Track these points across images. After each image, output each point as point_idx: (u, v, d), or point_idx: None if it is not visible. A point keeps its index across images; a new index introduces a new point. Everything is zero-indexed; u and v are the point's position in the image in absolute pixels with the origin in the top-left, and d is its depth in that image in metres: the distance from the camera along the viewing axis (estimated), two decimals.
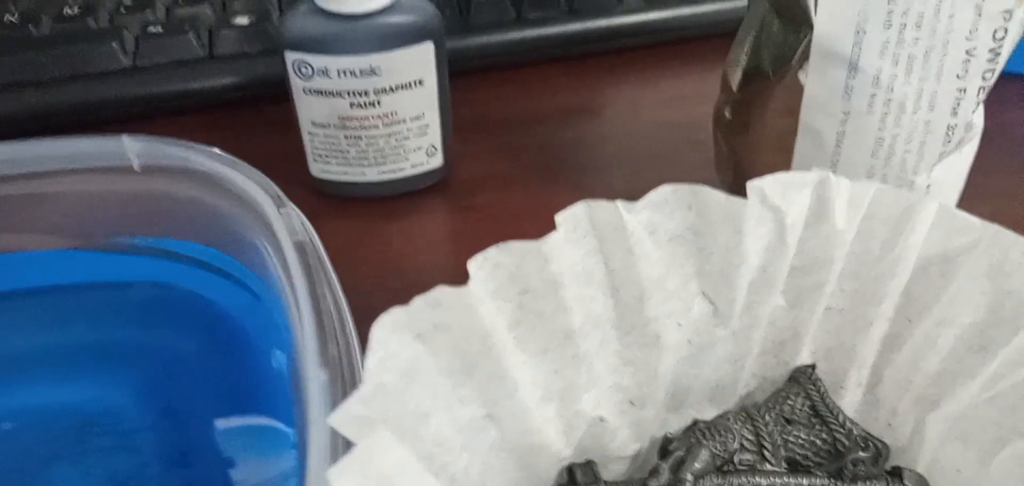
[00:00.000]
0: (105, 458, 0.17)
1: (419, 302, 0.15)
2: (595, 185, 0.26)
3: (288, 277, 0.16)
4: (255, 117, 0.29)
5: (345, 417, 0.13)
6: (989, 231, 0.17)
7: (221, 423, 0.18)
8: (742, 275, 0.17)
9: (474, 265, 0.15)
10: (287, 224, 0.17)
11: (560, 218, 0.16)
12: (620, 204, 0.16)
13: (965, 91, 0.19)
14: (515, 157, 0.27)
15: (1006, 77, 0.30)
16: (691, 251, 0.17)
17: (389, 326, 0.14)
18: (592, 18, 0.30)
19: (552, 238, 0.15)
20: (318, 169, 0.24)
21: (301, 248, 0.16)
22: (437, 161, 0.25)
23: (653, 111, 0.29)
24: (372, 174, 0.24)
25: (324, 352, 0.14)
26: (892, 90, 0.19)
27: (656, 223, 0.16)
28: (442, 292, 0.15)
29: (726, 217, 0.16)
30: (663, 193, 0.16)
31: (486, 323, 0.15)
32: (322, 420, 0.13)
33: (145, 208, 0.20)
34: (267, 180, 0.18)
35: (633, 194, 0.25)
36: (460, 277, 0.24)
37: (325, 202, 0.25)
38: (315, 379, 0.13)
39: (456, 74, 0.30)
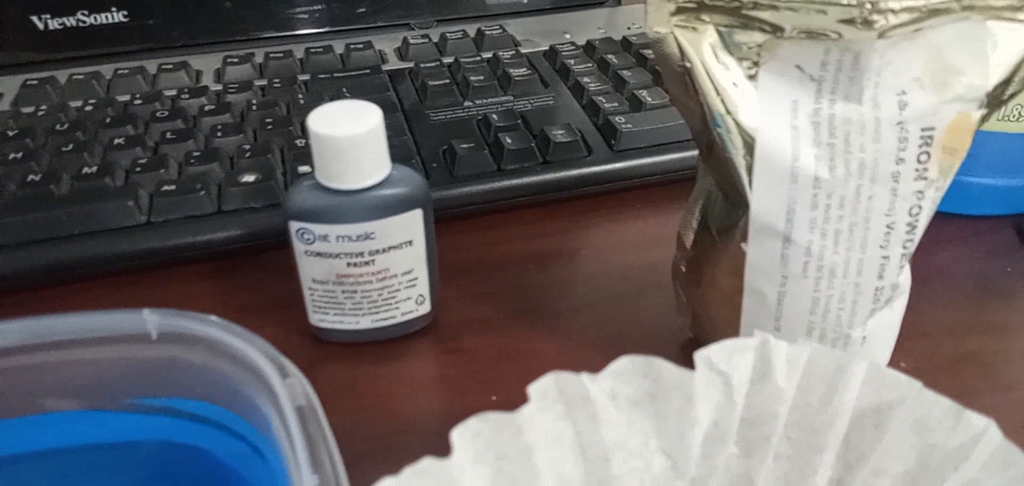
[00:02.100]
0: None
1: (408, 472, 0.17)
2: (569, 327, 0.28)
3: (290, 439, 0.18)
4: (259, 265, 0.31)
5: None
6: (914, 388, 0.19)
7: None
8: (696, 434, 0.19)
9: (456, 434, 0.17)
10: (290, 392, 0.19)
11: (532, 390, 0.18)
12: (585, 376, 0.18)
13: (888, 258, 0.22)
14: (496, 301, 0.30)
15: (939, 216, 0.33)
16: (649, 413, 0.19)
17: None
18: (564, 168, 0.33)
19: (525, 410, 0.18)
20: (317, 319, 0.27)
21: (302, 413, 0.18)
22: (425, 308, 0.27)
23: (621, 254, 0.32)
24: (366, 322, 0.27)
25: None
26: (822, 259, 0.22)
27: (616, 390, 0.18)
28: (427, 462, 0.17)
29: (677, 386, 0.18)
30: (622, 364, 0.18)
31: None
32: None
33: (159, 372, 0.22)
34: (271, 347, 0.20)
35: (603, 335, 0.28)
36: (446, 418, 0.26)
37: (322, 347, 0.28)
38: None
39: (442, 221, 0.33)
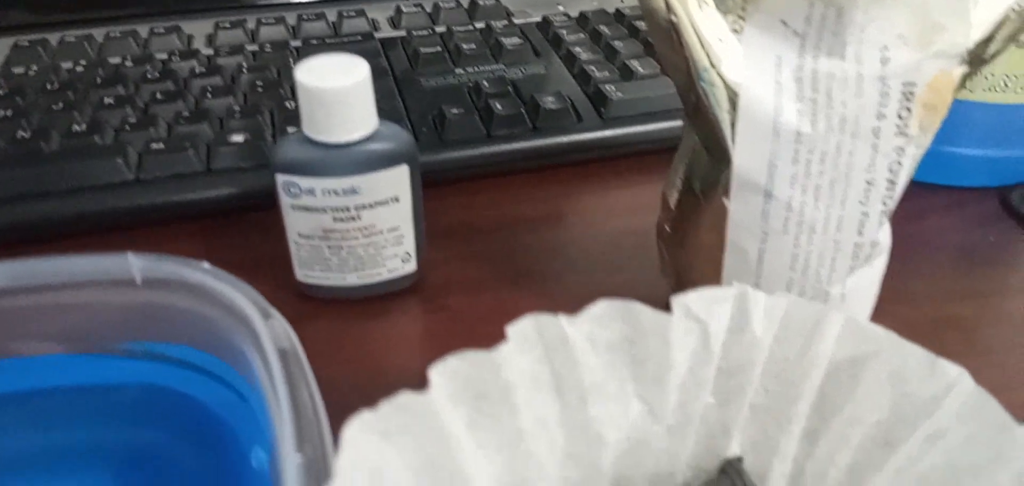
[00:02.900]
0: None
1: (385, 406, 0.17)
2: (555, 289, 0.29)
3: (271, 380, 0.18)
4: (247, 224, 0.31)
5: None
6: (890, 340, 0.19)
7: None
8: (672, 379, 0.19)
9: (435, 372, 0.17)
10: (272, 333, 0.19)
11: (511, 330, 0.18)
12: (563, 318, 0.18)
13: (868, 214, 0.22)
14: (483, 262, 0.30)
15: (925, 187, 0.33)
16: (626, 358, 0.19)
17: (358, 427, 0.16)
18: (553, 135, 0.34)
19: (504, 348, 0.18)
20: (303, 274, 0.27)
21: (284, 355, 0.19)
22: (411, 266, 0.27)
23: (608, 220, 0.32)
24: (352, 279, 0.27)
25: (301, 448, 0.16)
26: (803, 215, 0.22)
27: (595, 334, 0.19)
28: (406, 397, 0.17)
29: (654, 330, 0.19)
30: (601, 308, 0.19)
31: (446, 425, 0.17)
32: None
33: (143, 317, 0.22)
34: (255, 293, 0.20)
35: (588, 297, 0.28)
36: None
37: (308, 303, 0.28)
38: (291, 473, 0.16)
39: (431, 185, 0.33)
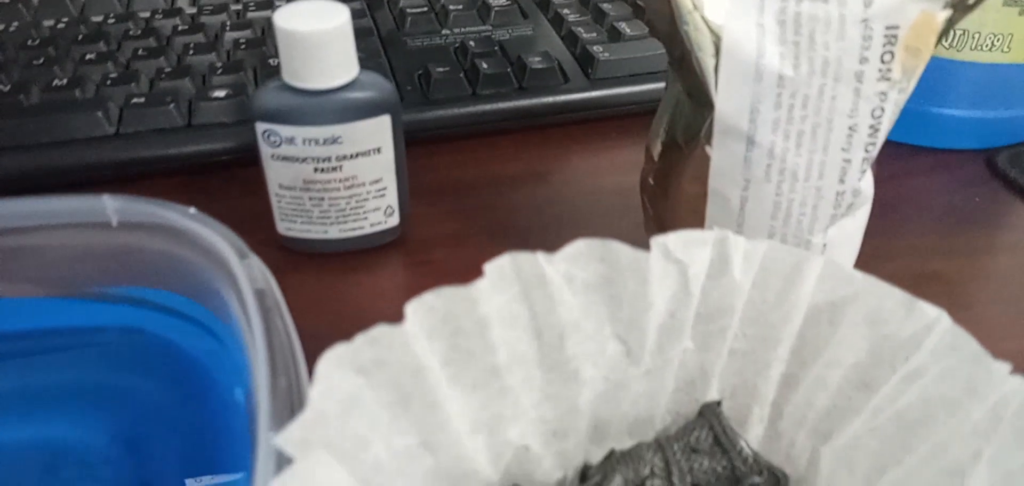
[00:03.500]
0: None
1: (360, 339, 0.17)
2: (539, 244, 0.28)
3: (247, 318, 0.18)
4: (229, 180, 0.31)
5: (288, 438, 0.15)
6: (868, 283, 0.19)
7: (181, 455, 0.19)
8: (650, 319, 0.19)
9: (410, 307, 0.17)
10: (248, 272, 0.19)
11: (488, 267, 0.18)
12: (541, 256, 0.18)
13: (850, 161, 0.22)
14: (467, 218, 0.30)
15: (911, 149, 0.33)
16: (604, 298, 0.19)
17: (333, 361, 0.16)
18: (540, 95, 0.33)
19: (480, 284, 0.18)
20: (284, 227, 0.27)
21: (260, 294, 0.18)
22: (394, 221, 0.27)
23: (593, 178, 0.32)
24: (333, 232, 0.26)
25: (275, 384, 0.16)
26: (785, 161, 0.22)
27: (573, 273, 0.19)
28: (381, 330, 0.17)
29: (632, 268, 0.18)
30: (578, 247, 0.19)
31: (421, 360, 0.17)
32: (267, 442, 0.15)
33: (120, 260, 0.22)
34: (232, 234, 0.20)
35: None
36: None
37: (290, 257, 0.27)
38: (265, 407, 0.15)
39: (416, 143, 0.33)
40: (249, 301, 0.18)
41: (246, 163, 0.31)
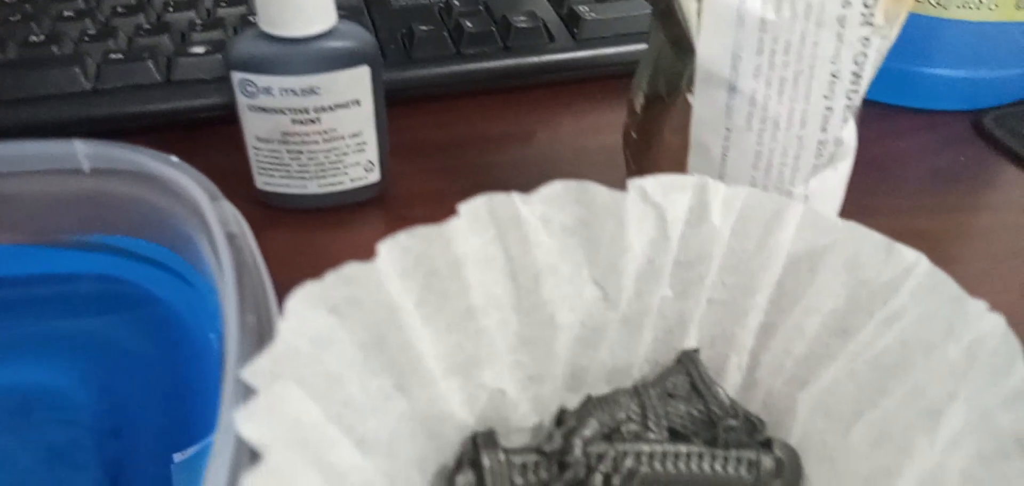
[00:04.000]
0: (43, 430, 0.18)
1: (331, 277, 0.16)
2: None
3: (218, 260, 0.18)
4: (208, 137, 0.31)
5: (255, 371, 0.14)
6: (848, 229, 0.19)
7: (155, 401, 0.19)
8: (627, 263, 0.19)
9: (384, 247, 0.17)
10: (219, 215, 0.18)
11: (462, 207, 0.18)
12: (516, 196, 0.18)
13: (832, 109, 0.22)
14: (450, 176, 0.29)
15: (897, 110, 0.33)
16: (581, 241, 0.19)
17: (304, 299, 0.16)
18: (525, 55, 0.33)
19: (454, 223, 0.17)
20: (262, 182, 0.26)
21: (231, 236, 0.18)
22: (375, 176, 0.27)
23: (577, 138, 0.31)
24: (313, 187, 0.26)
25: (243, 320, 0.16)
26: (767, 109, 0.21)
27: (549, 215, 0.18)
28: (352, 268, 0.16)
29: (609, 210, 0.18)
30: (555, 189, 0.18)
31: (395, 300, 0.17)
32: (234, 376, 0.15)
33: (93, 207, 0.21)
34: (204, 178, 0.20)
35: None
36: None
37: (269, 213, 0.27)
38: (233, 341, 0.15)
39: (398, 102, 0.32)
40: (219, 241, 0.17)
41: (226, 120, 0.31)
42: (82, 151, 0.21)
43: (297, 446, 0.14)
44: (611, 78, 0.35)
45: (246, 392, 0.15)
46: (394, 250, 0.17)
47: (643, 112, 0.25)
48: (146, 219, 0.21)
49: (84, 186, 0.21)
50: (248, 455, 0.13)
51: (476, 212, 0.18)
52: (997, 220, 0.28)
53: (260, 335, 0.16)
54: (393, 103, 0.33)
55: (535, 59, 0.33)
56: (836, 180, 0.24)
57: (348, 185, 0.27)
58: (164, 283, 0.21)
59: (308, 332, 0.16)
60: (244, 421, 0.13)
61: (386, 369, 0.17)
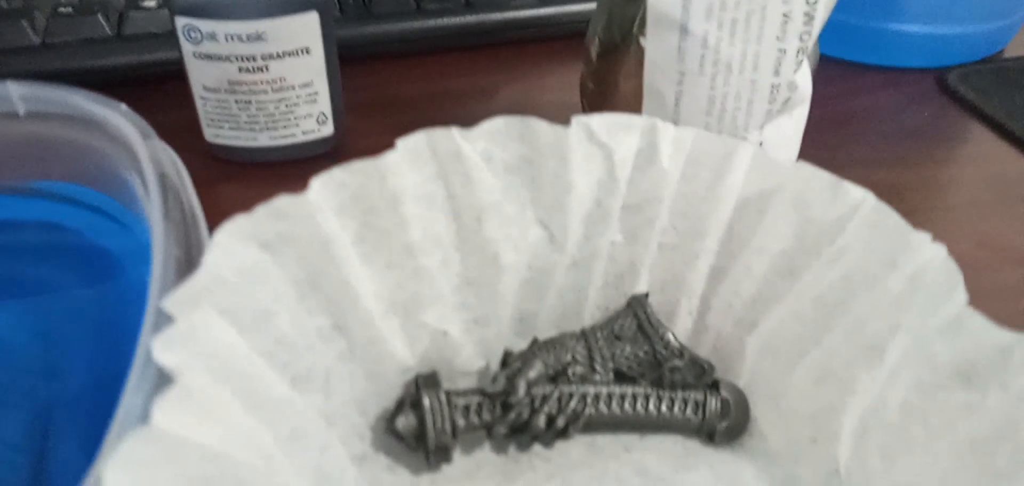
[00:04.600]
0: None
1: (261, 210, 0.16)
2: None
3: (148, 195, 0.17)
4: (160, 93, 0.30)
5: (175, 299, 0.14)
6: (797, 168, 0.19)
7: (95, 345, 0.19)
8: (572, 202, 0.18)
9: (318, 181, 0.17)
10: (151, 153, 0.18)
11: (400, 142, 0.17)
12: (457, 132, 0.18)
13: (785, 51, 0.21)
14: (408, 132, 0.29)
15: (861, 67, 0.33)
16: (525, 180, 0.18)
17: (232, 231, 0.15)
18: (487, 12, 0.32)
19: (390, 156, 0.17)
20: (211, 134, 0.26)
21: (163, 176, 0.18)
22: (328, 130, 0.26)
23: (541, 95, 0.31)
24: (263, 139, 0.26)
25: (169, 253, 0.15)
26: (719, 51, 0.21)
27: (492, 152, 0.18)
28: (283, 200, 0.16)
29: (552, 146, 0.18)
30: (497, 124, 0.18)
31: (329, 236, 0.17)
32: (155, 308, 0.14)
33: (30, 151, 0.21)
34: (139, 118, 0.19)
35: None
36: None
37: (220, 167, 0.27)
38: (157, 274, 0.15)
39: (357, 59, 0.32)
40: (149, 176, 0.17)
41: (179, 76, 0.30)
42: (16, 93, 0.20)
43: (215, 374, 0.13)
44: (576, 36, 0.34)
45: (168, 322, 0.14)
46: (330, 185, 0.17)
47: (598, 61, 0.24)
48: (83, 163, 0.20)
49: (20, 130, 0.20)
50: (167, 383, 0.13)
51: (416, 147, 0.17)
52: (958, 173, 0.28)
53: (189, 269, 0.16)
54: (352, 60, 0.32)
55: (498, 16, 0.32)
56: (792, 128, 0.23)
57: (300, 138, 0.26)
58: (102, 228, 0.21)
59: (234, 264, 0.15)
60: (159, 347, 0.13)
61: (323, 308, 0.17)
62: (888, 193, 0.27)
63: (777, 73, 0.22)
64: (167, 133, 0.28)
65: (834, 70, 0.33)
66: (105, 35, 0.29)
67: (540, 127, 0.18)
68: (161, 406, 0.12)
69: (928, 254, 0.16)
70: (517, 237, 0.18)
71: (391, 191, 0.17)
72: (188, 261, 0.16)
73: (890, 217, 0.17)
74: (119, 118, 0.19)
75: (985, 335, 0.14)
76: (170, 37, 0.30)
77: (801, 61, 0.22)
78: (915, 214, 0.26)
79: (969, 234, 0.25)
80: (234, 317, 0.15)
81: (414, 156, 0.17)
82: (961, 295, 0.15)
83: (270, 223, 0.16)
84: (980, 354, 0.14)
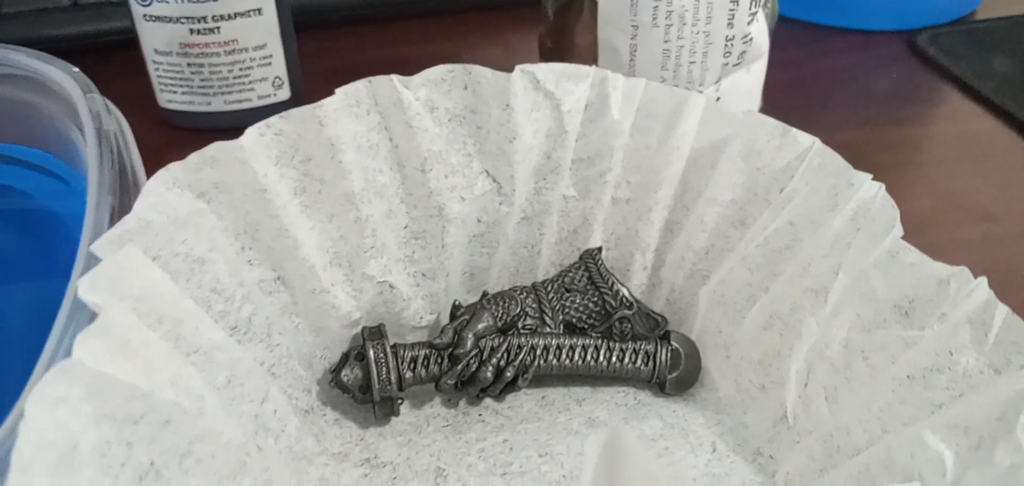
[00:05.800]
0: None
1: (195, 158, 0.16)
2: None
3: (86, 146, 0.17)
4: (116, 63, 0.29)
5: (103, 241, 0.14)
6: (748, 118, 0.19)
7: (42, 308, 0.18)
8: (517, 151, 0.18)
9: (254, 129, 0.16)
10: (91, 107, 0.18)
11: (340, 90, 0.17)
12: (396, 79, 0.17)
13: (738, 3, 0.21)
14: None
15: (831, 30, 0.33)
16: (471, 130, 0.18)
17: (166, 180, 0.15)
18: None
19: (328, 102, 0.17)
20: (165, 99, 0.25)
21: (102, 130, 0.17)
22: (284, 93, 0.26)
23: (505, 62, 0.30)
24: (218, 104, 0.25)
25: (101, 201, 0.15)
26: (672, 3, 0.21)
27: (435, 101, 0.18)
28: (215, 147, 0.16)
29: (495, 93, 0.18)
30: (439, 72, 0.18)
31: (267, 186, 0.16)
32: (85, 254, 0.14)
33: None
34: (79, 73, 0.19)
35: None
36: None
37: (176, 134, 0.26)
38: (91, 219, 0.14)
39: (315, 27, 0.31)
40: (87, 127, 0.17)
41: (135, 46, 0.30)
42: None
43: (142, 316, 0.13)
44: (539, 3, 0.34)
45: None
46: (266, 133, 0.16)
47: (555, 17, 0.24)
48: (25, 121, 0.20)
49: None
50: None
51: (356, 94, 0.17)
52: (925, 131, 0.28)
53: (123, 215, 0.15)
54: (310, 26, 0.32)
55: None
56: (750, 82, 0.23)
57: (256, 102, 0.26)
58: (45, 187, 0.20)
59: (165, 210, 0.15)
60: (84, 286, 0.13)
61: (263, 258, 0.17)
62: (854, 152, 0.26)
63: (731, 24, 0.21)
64: (122, 101, 0.28)
65: (804, 33, 0.33)
66: (61, 4, 0.29)
67: (483, 74, 0.17)
68: (83, 341, 0.12)
69: (868, 191, 0.16)
70: (463, 188, 0.18)
71: (328, 138, 0.17)
72: (121, 207, 0.16)
73: (833, 159, 0.17)
74: (59, 73, 0.18)
75: (922, 269, 0.14)
76: (126, 6, 0.29)
77: (755, 14, 0.21)
78: (882, 171, 0.25)
79: (933, 191, 0.25)
80: (165, 263, 0.14)
81: (355, 102, 0.17)
82: (897, 230, 0.15)
83: (205, 171, 0.16)
84: (918, 288, 0.14)
